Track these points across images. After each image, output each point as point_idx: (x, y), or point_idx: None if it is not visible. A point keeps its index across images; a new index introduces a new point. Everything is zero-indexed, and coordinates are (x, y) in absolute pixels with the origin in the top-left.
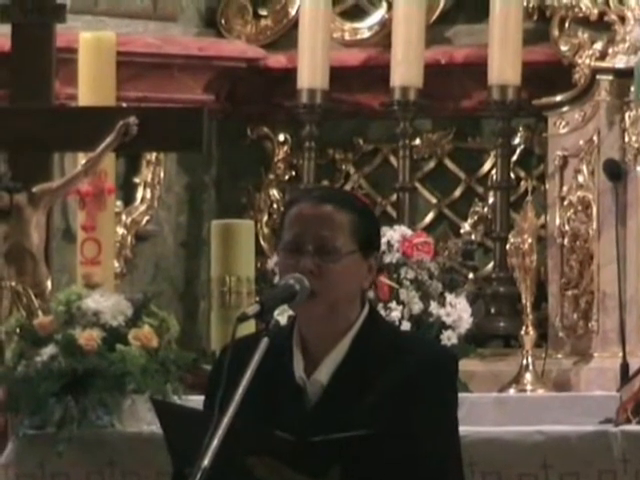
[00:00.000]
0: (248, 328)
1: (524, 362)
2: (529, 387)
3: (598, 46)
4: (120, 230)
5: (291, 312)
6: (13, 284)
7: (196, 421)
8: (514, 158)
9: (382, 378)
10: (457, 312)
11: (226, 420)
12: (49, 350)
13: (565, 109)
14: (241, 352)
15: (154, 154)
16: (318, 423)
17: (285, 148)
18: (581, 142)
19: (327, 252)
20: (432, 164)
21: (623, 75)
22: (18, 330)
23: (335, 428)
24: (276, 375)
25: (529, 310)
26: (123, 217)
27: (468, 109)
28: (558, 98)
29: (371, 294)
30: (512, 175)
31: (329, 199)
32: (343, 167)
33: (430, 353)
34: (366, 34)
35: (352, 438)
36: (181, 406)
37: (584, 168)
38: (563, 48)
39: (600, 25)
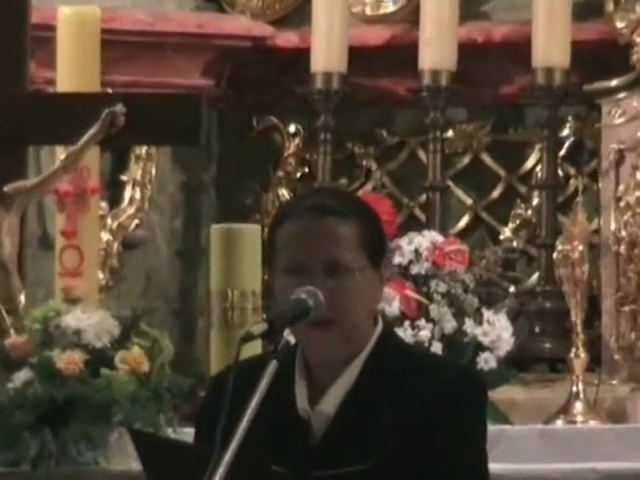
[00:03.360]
0: (254, 350)
1: (574, 389)
2: (579, 418)
3: None
4: (105, 236)
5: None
6: None
7: (185, 456)
8: (562, 152)
9: (396, 407)
10: (496, 331)
11: (227, 458)
12: (23, 375)
13: (621, 95)
14: (246, 374)
15: (144, 148)
16: (324, 460)
17: (296, 141)
18: None
19: (339, 272)
20: (467, 159)
21: None
22: None
23: (343, 465)
24: (276, 406)
25: (579, 329)
26: (109, 221)
27: (509, 96)
28: (613, 83)
29: (396, 309)
30: (560, 172)
31: (330, 209)
32: (364, 163)
33: (452, 376)
34: (391, 8)
35: (359, 473)
36: (166, 439)
37: None
38: (619, 25)
39: None
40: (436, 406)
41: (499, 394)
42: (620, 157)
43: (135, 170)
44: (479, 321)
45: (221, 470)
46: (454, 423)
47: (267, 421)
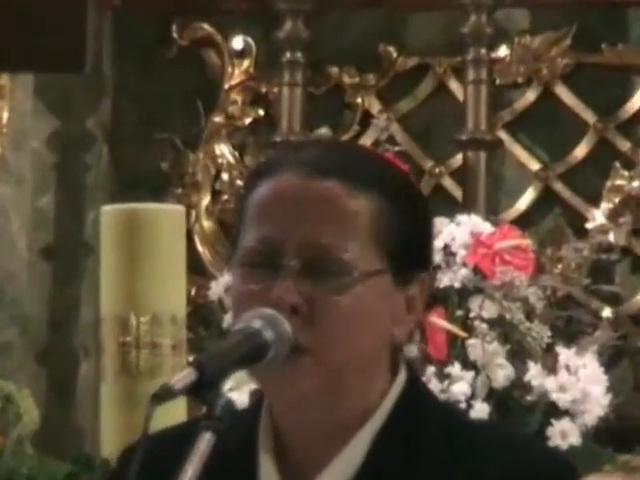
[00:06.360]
0: (174, 415)
1: None
2: None
3: None
4: None
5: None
6: None
7: None
8: None
9: None
10: (580, 384)
11: None
12: None
13: None
14: (161, 459)
15: None
16: None
17: (245, 65)
18: None
19: (327, 272)
20: (532, 96)
21: None
22: None
23: None
24: None
25: None
26: None
27: None
28: None
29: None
30: None
31: (332, 167)
32: (358, 101)
33: (529, 464)
34: None
35: None
36: None
37: None
38: None
39: None
40: None
41: None
42: None
43: None
44: (552, 367)
45: None
46: None
47: None
